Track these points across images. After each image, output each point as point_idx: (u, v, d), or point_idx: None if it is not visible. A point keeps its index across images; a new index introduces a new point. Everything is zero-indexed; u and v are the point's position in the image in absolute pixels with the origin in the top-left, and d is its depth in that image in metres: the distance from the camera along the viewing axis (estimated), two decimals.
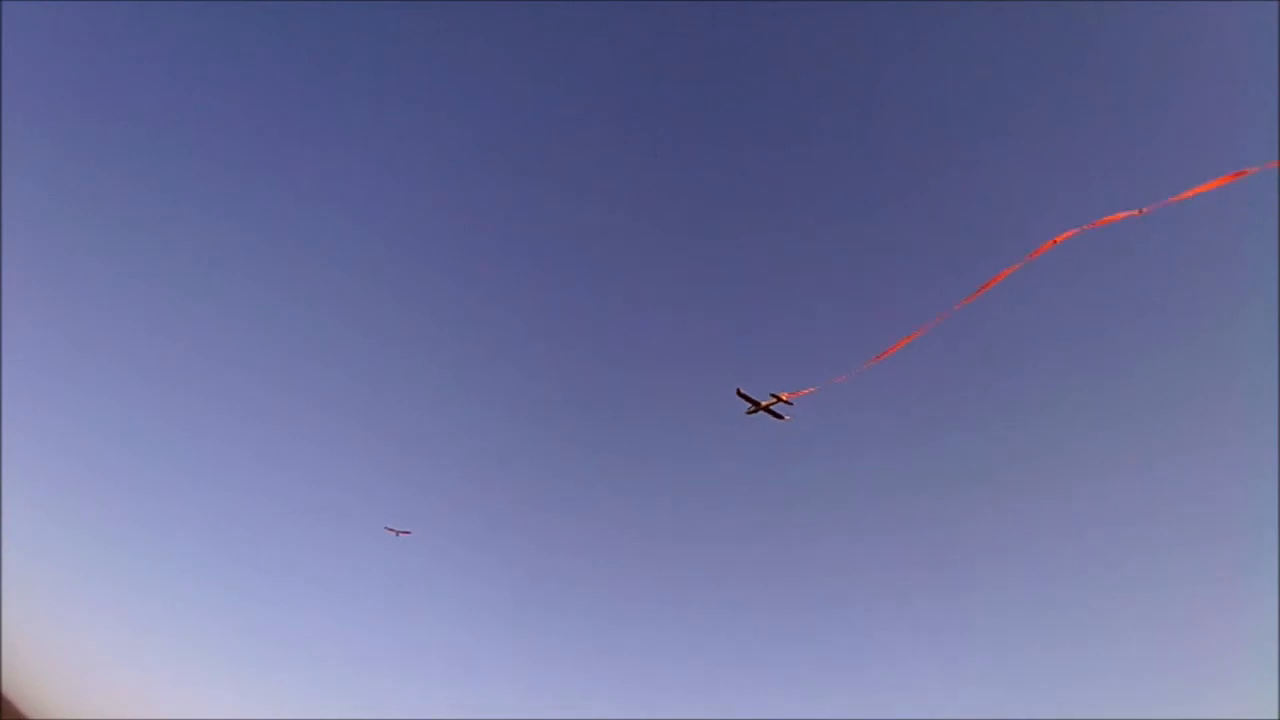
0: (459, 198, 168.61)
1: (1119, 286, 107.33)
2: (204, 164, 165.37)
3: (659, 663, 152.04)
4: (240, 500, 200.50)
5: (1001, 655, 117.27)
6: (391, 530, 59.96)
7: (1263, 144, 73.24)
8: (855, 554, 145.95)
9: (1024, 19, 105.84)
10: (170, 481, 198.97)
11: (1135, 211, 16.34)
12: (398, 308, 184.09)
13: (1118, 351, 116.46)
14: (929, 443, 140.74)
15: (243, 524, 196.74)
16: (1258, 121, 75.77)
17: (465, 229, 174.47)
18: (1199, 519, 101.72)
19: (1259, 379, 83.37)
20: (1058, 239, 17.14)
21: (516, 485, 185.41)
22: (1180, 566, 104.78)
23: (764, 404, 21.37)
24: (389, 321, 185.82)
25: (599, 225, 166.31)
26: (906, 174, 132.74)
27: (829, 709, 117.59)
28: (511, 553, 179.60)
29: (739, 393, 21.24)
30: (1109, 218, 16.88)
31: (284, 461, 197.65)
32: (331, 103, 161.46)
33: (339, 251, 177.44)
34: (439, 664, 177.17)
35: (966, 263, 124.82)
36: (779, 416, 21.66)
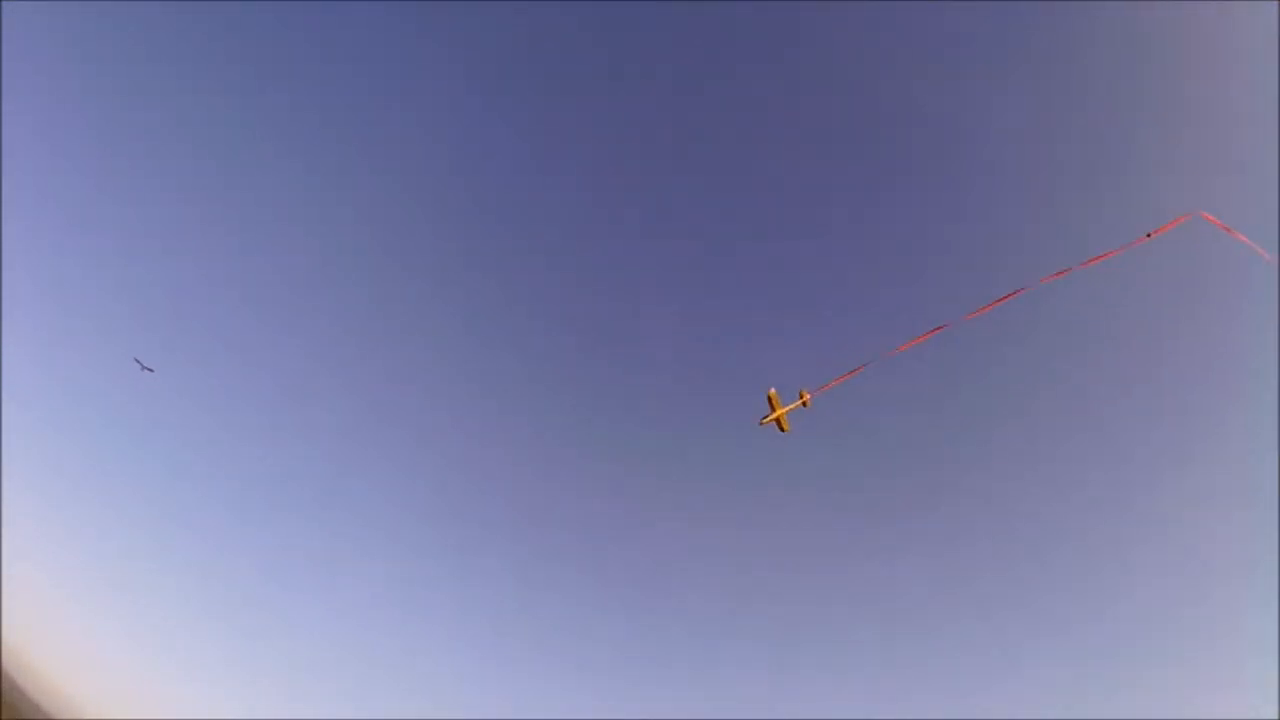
0: (467, 196, 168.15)
1: (1122, 288, 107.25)
2: (205, 164, 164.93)
3: (656, 662, 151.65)
4: (239, 501, 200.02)
5: (1003, 656, 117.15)
6: (138, 363, 64.37)
7: (1262, 145, 73.20)
8: (856, 553, 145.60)
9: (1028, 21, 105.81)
10: (171, 482, 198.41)
11: (1144, 237, 17.78)
12: (400, 307, 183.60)
13: (1118, 353, 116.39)
14: (929, 444, 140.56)
15: (242, 525, 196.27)
16: (1258, 122, 75.75)
17: (472, 226, 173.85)
18: (1199, 519, 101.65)
19: (1259, 380, 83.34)
20: (1081, 265, 17.96)
21: (516, 486, 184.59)
22: (1180, 567, 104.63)
23: (784, 410, 20.20)
24: (389, 321, 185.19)
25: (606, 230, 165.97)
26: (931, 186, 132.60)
27: (828, 708, 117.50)
28: (511, 552, 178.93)
29: (770, 397, 20.12)
30: (1115, 250, 18.00)
31: (284, 462, 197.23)
32: (332, 103, 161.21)
33: (338, 251, 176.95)
34: (438, 664, 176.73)
35: (981, 270, 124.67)
36: (782, 429, 20.56)
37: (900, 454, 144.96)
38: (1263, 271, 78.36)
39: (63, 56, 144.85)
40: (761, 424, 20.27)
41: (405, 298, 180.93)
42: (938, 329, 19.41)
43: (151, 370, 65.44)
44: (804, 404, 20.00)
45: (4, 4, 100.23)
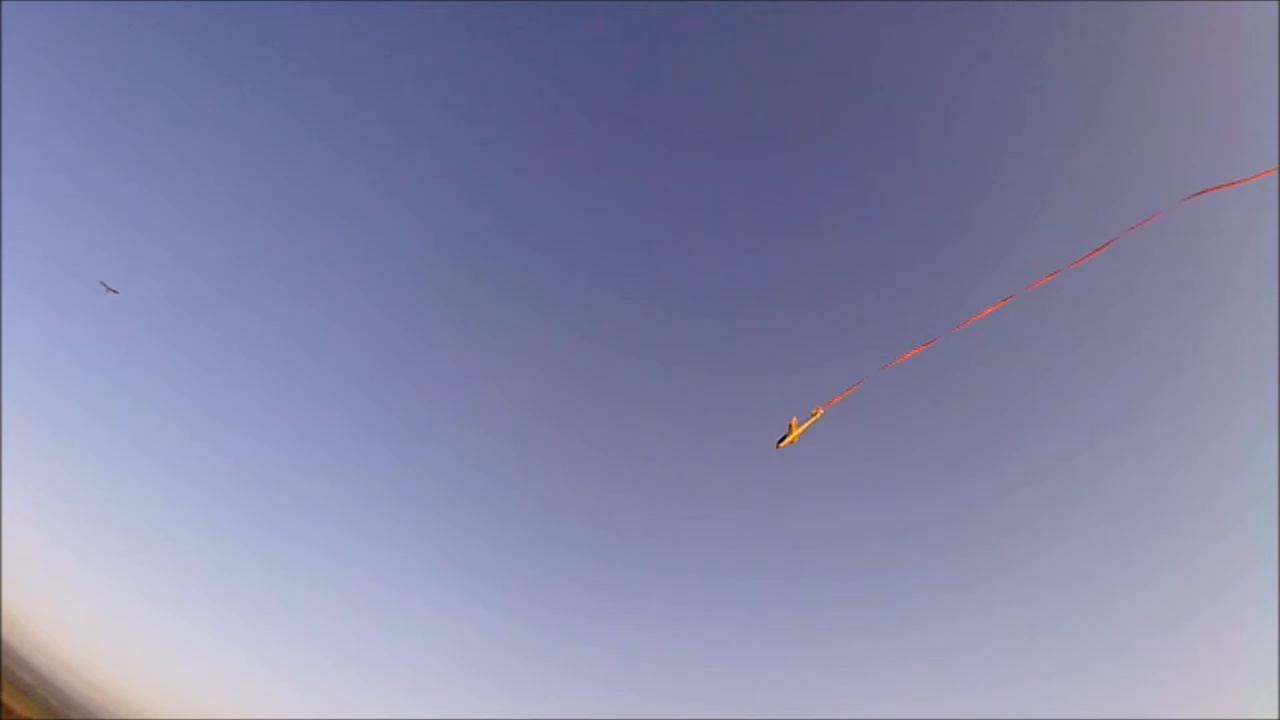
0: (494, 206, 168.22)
1: (1122, 290, 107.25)
2: (205, 164, 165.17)
3: (657, 662, 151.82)
4: (241, 500, 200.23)
5: (1004, 655, 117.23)
6: (103, 285, 67.02)
7: (1262, 143, 73.12)
8: (857, 552, 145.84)
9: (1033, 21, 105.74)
10: (172, 480, 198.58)
11: (1153, 217, 17.45)
12: (407, 307, 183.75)
13: (1118, 352, 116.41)
14: (931, 443, 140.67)
15: (244, 524, 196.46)
16: (1258, 121, 75.65)
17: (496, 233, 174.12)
18: (1199, 519, 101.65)
19: (1259, 379, 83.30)
20: (1094, 253, 17.75)
21: (518, 488, 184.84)
22: (1180, 568, 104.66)
23: (800, 430, 21.07)
24: (392, 321, 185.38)
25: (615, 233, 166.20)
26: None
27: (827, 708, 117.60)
28: (513, 552, 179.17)
29: (791, 424, 21.08)
30: (1132, 228, 17.70)
31: (286, 460, 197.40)
32: (333, 102, 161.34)
33: (338, 251, 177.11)
34: (438, 664, 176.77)
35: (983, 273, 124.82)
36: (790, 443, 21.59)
37: (900, 454, 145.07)
38: (1263, 270, 78.18)
39: (63, 56, 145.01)
40: (779, 447, 21.25)
41: (413, 298, 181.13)
42: (938, 337, 19.53)
43: (116, 292, 66.85)
44: (816, 419, 21.05)
45: (4, 4, 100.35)
